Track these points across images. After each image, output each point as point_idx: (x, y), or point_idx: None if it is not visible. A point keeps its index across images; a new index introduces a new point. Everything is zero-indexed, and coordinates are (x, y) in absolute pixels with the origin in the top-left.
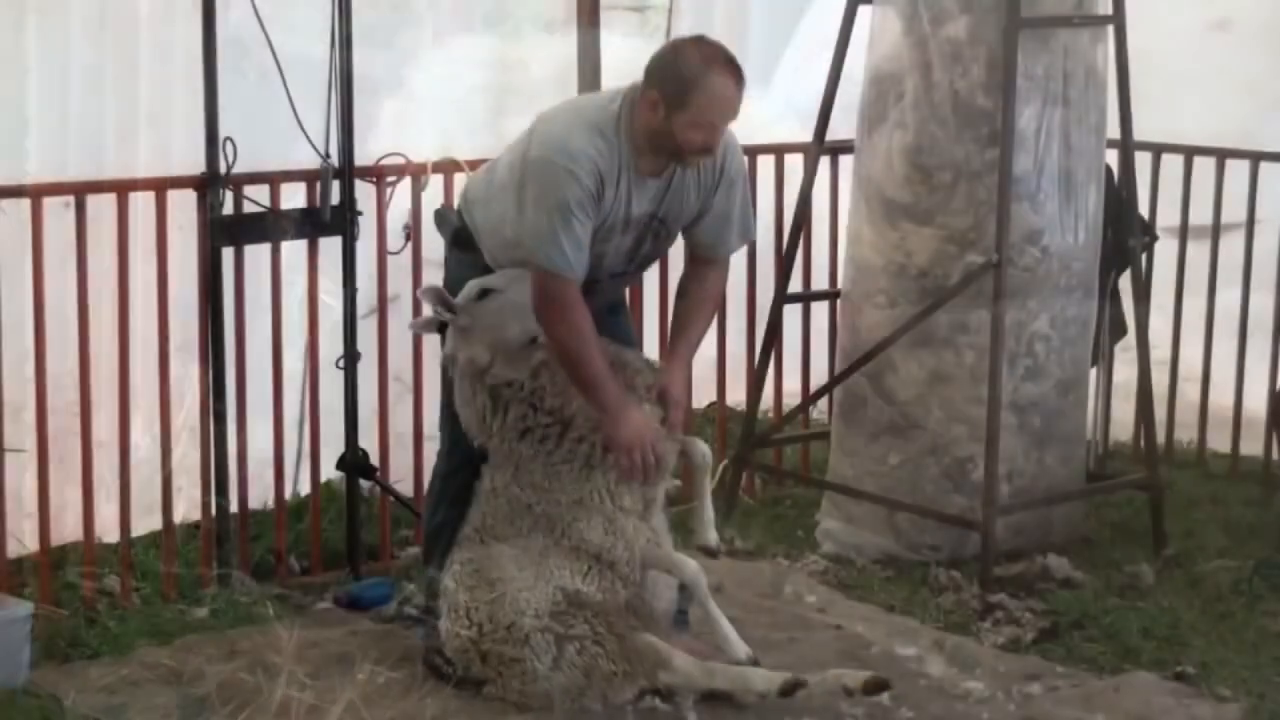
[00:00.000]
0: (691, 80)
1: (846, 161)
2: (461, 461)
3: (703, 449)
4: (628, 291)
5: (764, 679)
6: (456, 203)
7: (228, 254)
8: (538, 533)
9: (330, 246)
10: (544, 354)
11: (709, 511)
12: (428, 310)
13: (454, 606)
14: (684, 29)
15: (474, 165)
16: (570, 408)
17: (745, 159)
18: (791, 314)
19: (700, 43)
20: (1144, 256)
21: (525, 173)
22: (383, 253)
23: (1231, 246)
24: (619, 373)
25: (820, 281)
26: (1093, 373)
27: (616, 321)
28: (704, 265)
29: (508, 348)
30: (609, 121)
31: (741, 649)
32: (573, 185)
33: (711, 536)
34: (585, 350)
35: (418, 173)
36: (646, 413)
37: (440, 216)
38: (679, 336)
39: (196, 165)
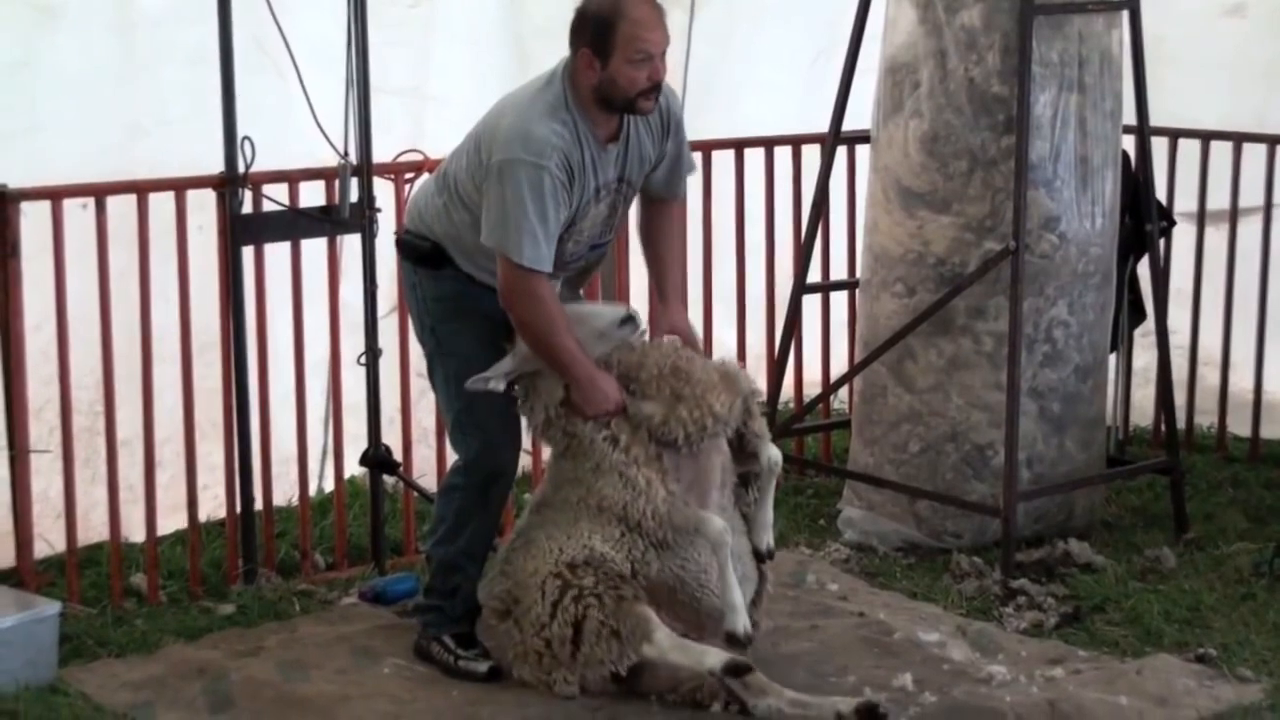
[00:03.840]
0: (610, 20)
1: (863, 151)
2: (489, 471)
3: (771, 455)
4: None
5: (716, 656)
6: (406, 225)
7: (248, 253)
8: (574, 496)
9: (350, 244)
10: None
11: (768, 515)
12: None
13: (497, 564)
14: (706, 25)
15: None
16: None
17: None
18: (811, 304)
19: None
20: (1162, 241)
21: (489, 176)
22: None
23: (1249, 230)
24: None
25: (839, 271)
26: (1112, 358)
27: None
28: (665, 204)
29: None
30: (558, 102)
31: (740, 623)
32: (544, 178)
33: (765, 539)
34: (558, 338)
35: (435, 169)
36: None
37: (407, 246)
38: (667, 278)
39: (215, 165)
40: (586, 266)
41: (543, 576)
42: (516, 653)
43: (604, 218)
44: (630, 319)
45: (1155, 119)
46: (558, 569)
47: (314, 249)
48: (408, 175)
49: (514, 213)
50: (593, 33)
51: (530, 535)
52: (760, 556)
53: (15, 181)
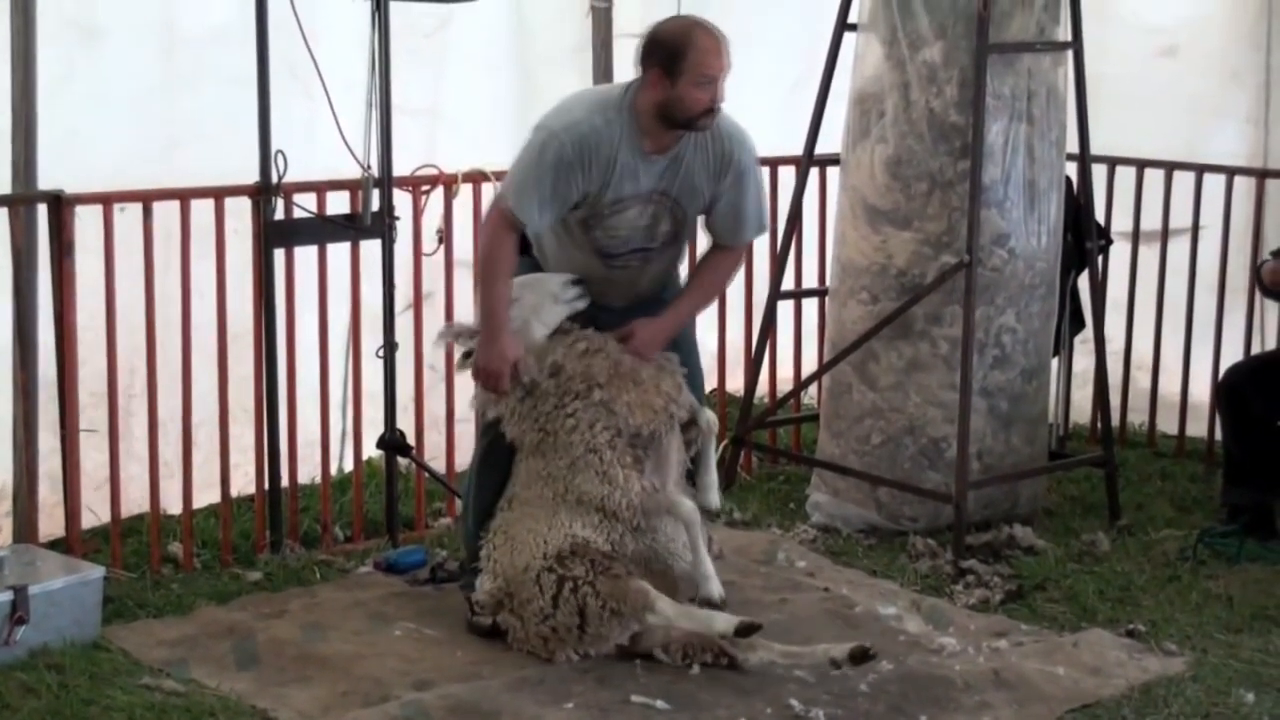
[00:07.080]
0: (680, 46)
1: (834, 172)
2: (497, 460)
3: (708, 417)
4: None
5: (725, 620)
6: None
7: (279, 255)
8: (549, 491)
9: (371, 248)
10: (562, 350)
11: (712, 475)
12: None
13: (486, 561)
14: None
15: (499, 176)
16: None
17: (757, 154)
18: (785, 309)
19: (675, 18)
20: (1100, 258)
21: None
22: (418, 254)
23: (1178, 249)
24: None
25: (810, 280)
26: (1054, 362)
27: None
28: (721, 250)
29: (533, 345)
30: (614, 101)
31: (715, 589)
32: (553, 146)
33: (713, 499)
34: (494, 284)
35: (449, 182)
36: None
37: None
38: (683, 299)
39: (251, 175)
40: (631, 276)
41: (535, 571)
42: (518, 637)
43: (644, 225)
44: (580, 282)
45: (1095, 148)
46: (548, 563)
47: (338, 252)
48: (424, 187)
49: (523, 166)
50: (664, 56)
51: (510, 532)
52: (711, 515)
53: (63, 187)
